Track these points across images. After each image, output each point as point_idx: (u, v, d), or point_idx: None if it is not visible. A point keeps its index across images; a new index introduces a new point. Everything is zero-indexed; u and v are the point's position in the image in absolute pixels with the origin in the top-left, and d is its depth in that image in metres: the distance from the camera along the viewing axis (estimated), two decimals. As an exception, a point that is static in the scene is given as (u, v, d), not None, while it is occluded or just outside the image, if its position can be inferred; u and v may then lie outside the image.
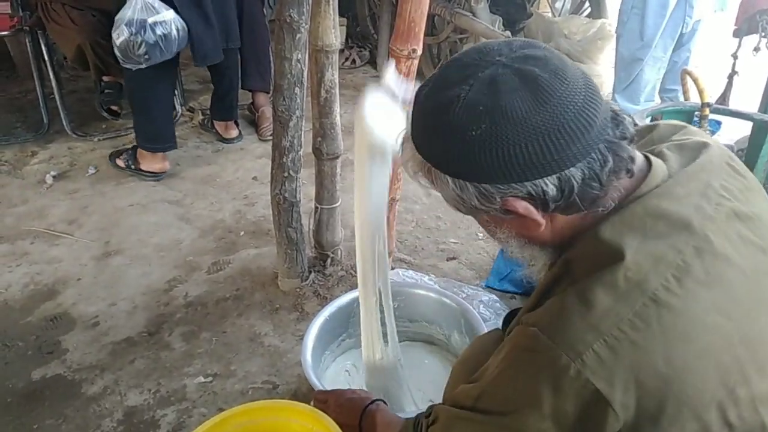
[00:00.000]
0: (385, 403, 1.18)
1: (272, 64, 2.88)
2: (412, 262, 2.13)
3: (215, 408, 1.60)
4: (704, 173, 0.79)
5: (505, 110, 0.69)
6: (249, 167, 2.79)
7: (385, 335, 1.43)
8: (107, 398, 1.64)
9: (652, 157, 0.80)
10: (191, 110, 3.23)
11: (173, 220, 2.41)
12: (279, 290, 2.00)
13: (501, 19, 3.20)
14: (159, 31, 2.29)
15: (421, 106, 0.77)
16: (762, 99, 2.34)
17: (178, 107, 3.15)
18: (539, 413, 0.72)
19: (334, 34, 1.65)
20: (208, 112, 3.07)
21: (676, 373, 0.69)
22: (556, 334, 0.71)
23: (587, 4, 3.59)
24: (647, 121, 2.04)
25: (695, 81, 2.03)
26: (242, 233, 2.33)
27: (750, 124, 2.09)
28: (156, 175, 2.66)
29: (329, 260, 2.05)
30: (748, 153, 2.09)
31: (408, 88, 1.07)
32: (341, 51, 3.78)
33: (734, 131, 2.58)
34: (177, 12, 2.36)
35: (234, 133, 3.00)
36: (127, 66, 2.36)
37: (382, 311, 1.40)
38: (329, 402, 1.22)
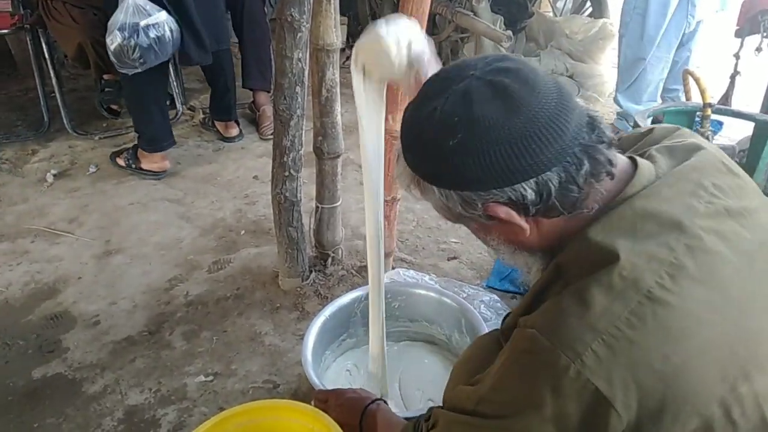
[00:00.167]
0: (385, 402, 1.18)
1: (273, 63, 2.88)
2: (413, 261, 2.13)
3: (216, 407, 1.60)
4: (695, 173, 0.80)
5: (479, 120, 0.72)
6: (250, 166, 2.79)
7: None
8: (108, 397, 1.64)
9: (639, 160, 0.81)
10: (192, 109, 3.23)
11: (174, 219, 2.41)
12: (279, 289, 2.00)
13: (502, 18, 3.20)
14: (152, 33, 2.27)
15: (407, 120, 0.82)
16: (764, 99, 2.34)
17: (178, 106, 3.15)
18: (540, 416, 0.72)
19: (335, 33, 1.65)
20: (209, 111, 3.07)
21: (674, 370, 0.70)
22: (554, 335, 0.72)
23: (588, 3, 3.59)
24: (648, 121, 2.04)
25: (697, 81, 2.03)
26: (243, 232, 2.33)
27: (752, 124, 2.09)
28: (157, 174, 2.66)
29: (330, 260, 2.04)
30: (750, 153, 2.09)
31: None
32: (342, 50, 3.77)
33: (736, 132, 2.58)
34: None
35: (234, 132, 3.00)
36: (123, 71, 2.34)
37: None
38: (330, 401, 1.22)
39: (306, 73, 1.65)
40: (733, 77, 2.53)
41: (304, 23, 1.56)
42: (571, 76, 3.22)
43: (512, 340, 0.78)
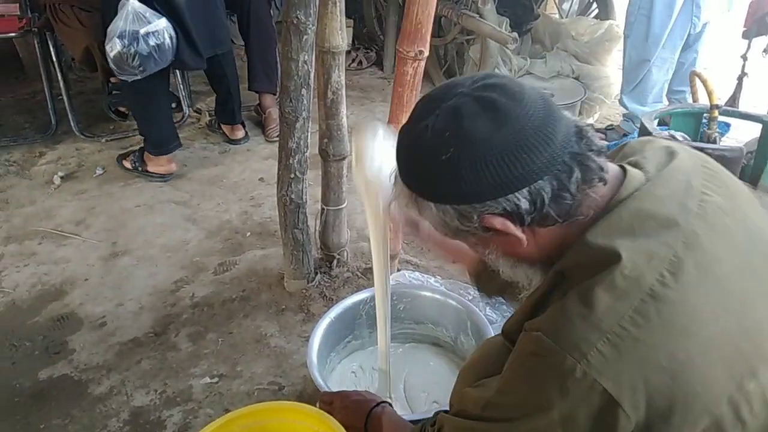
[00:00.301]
0: (391, 405, 1.18)
1: (279, 66, 2.89)
2: (418, 263, 2.12)
3: (221, 409, 1.60)
4: (682, 174, 0.82)
5: (469, 133, 0.74)
6: (255, 168, 2.79)
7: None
8: (114, 398, 1.64)
9: (626, 166, 0.83)
10: (198, 111, 3.24)
11: (180, 221, 2.41)
12: (285, 291, 2.00)
13: (508, 20, 3.19)
14: (152, 41, 2.26)
15: (400, 140, 0.84)
16: (771, 101, 2.33)
17: (185, 108, 3.16)
18: (548, 417, 0.72)
19: (340, 35, 1.65)
20: (214, 113, 3.07)
21: (681, 367, 0.70)
22: (559, 336, 0.72)
23: (595, 5, 3.57)
24: (655, 123, 2.03)
25: (704, 83, 2.02)
26: (248, 234, 2.33)
27: (759, 126, 2.08)
28: (163, 177, 2.67)
29: (335, 261, 2.05)
30: (758, 155, 2.08)
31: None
32: (348, 52, 3.78)
33: (744, 133, 2.57)
34: None
35: (240, 134, 3.00)
36: (123, 77, 2.34)
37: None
38: (335, 403, 1.22)
39: (312, 75, 1.65)
40: (740, 79, 2.52)
41: (310, 26, 1.56)
42: (577, 78, 3.21)
43: (518, 344, 0.79)
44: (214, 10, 2.57)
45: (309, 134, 1.75)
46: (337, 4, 1.61)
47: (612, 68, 3.23)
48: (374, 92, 3.59)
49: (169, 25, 2.32)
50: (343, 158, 1.87)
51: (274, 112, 2.97)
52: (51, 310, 1.96)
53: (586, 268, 0.75)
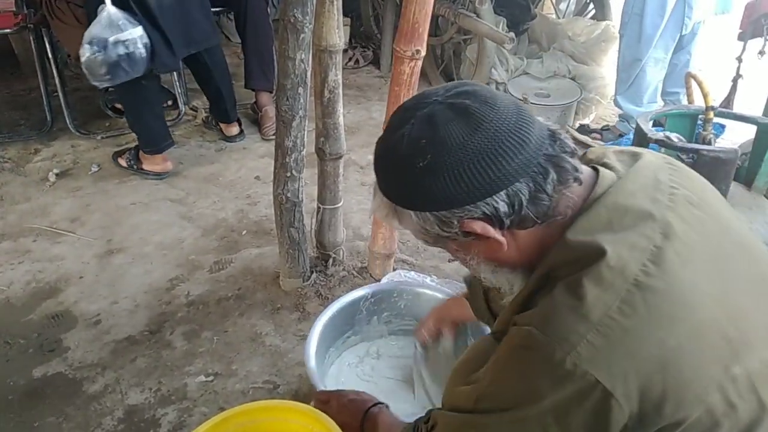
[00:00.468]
0: (387, 406, 1.19)
1: (276, 64, 2.88)
2: (413, 263, 2.13)
3: (216, 407, 1.60)
4: (649, 171, 0.85)
5: (444, 139, 0.76)
6: (251, 167, 2.79)
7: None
8: (108, 397, 1.64)
9: (598, 166, 0.86)
10: (194, 109, 3.23)
11: (175, 219, 2.41)
12: (280, 290, 2.00)
13: (505, 20, 3.19)
14: (121, 50, 2.19)
15: (378, 151, 0.85)
16: (766, 103, 2.33)
17: (181, 106, 3.15)
18: (539, 408, 0.73)
19: (338, 34, 1.65)
20: (209, 111, 3.06)
21: (671, 355, 0.71)
22: (549, 329, 0.73)
23: (591, 5, 3.58)
24: (650, 124, 2.03)
25: (699, 84, 2.02)
26: (244, 232, 2.33)
27: (754, 127, 2.09)
28: (159, 175, 2.66)
29: (331, 260, 2.05)
30: (752, 156, 2.08)
31: None
32: (345, 51, 3.77)
33: (738, 135, 2.58)
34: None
35: (235, 130, 2.99)
36: (95, 83, 2.31)
37: None
38: (331, 402, 1.22)
39: (309, 74, 1.65)
40: (735, 80, 2.53)
41: (307, 24, 1.56)
42: (573, 78, 3.22)
43: (508, 337, 0.80)
44: (190, 9, 2.50)
45: (305, 133, 1.75)
46: (335, 2, 1.61)
47: (608, 69, 3.23)
48: (371, 91, 3.59)
49: (145, 34, 2.26)
50: (340, 157, 1.87)
51: (270, 111, 2.97)
52: (45, 307, 1.95)
53: (572, 264, 0.76)
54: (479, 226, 0.79)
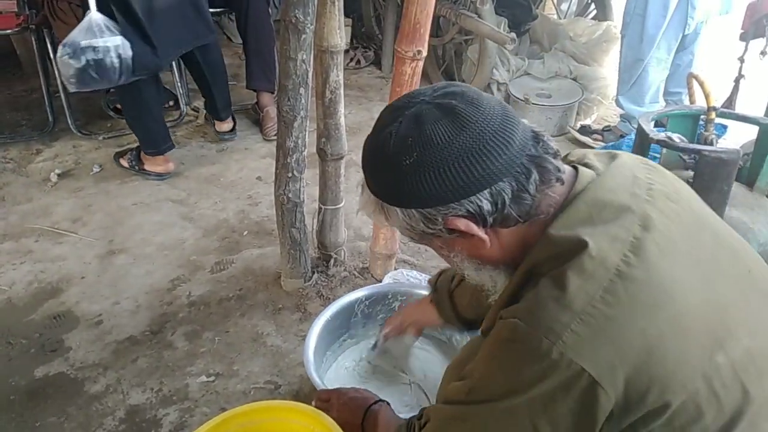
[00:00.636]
0: (388, 404, 1.19)
1: (277, 64, 2.88)
2: (414, 263, 2.13)
3: (217, 408, 1.60)
4: (626, 168, 0.88)
5: (430, 138, 0.78)
6: (253, 167, 2.79)
7: None
8: (110, 397, 1.64)
9: (577, 165, 0.89)
10: (195, 110, 3.23)
11: (177, 220, 2.41)
12: (282, 290, 2.00)
13: (506, 20, 3.19)
14: (90, 56, 2.12)
15: (366, 148, 0.87)
16: (768, 103, 2.33)
17: (182, 107, 3.15)
18: (528, 398, 0.75)
19: (339, 34, 1.65)
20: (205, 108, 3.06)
21: (654, 342, 0.72)
22: (534, 320, 0.75)
23: (593, 6, 3.58)
24: (652, 125, 2.03)
25: (701, 84, 2.02)
26: (246, 233, 2.33)
27: (756, 128, 2.08)
28: (161, 176, 2.66)
29: (332, 261, 2.05)
30: (755, 157, 2.08)
31: None
32: (346, 51, 3.78)
33: (740, 135, 2.57)
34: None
35: (226, 127, 2.95)
36: (67, 85, 2.26)
37: None
38: (332, 400, 1.23)
39: (310, 74, 1.65)
40: (737, 81, 2.52)
41: (309, 25, 1.56)
42: (575, 79, 3.22)
43: (495, 331, 0.82)
44: (183, 10, 2.44)
45: (307, 133, 1.75)
46: (336, 3, 1.61)
47: (610, 69, 3.23)
48: (372, 91, 3.60)
49: (125, 44, 2.18)
50: (341, 157, 1.87)
51: (271, 111, 2.97)
52: (47, 308, 1.95)
53: (555, 259, 0.78)
54: (463, 224, 0.81)
